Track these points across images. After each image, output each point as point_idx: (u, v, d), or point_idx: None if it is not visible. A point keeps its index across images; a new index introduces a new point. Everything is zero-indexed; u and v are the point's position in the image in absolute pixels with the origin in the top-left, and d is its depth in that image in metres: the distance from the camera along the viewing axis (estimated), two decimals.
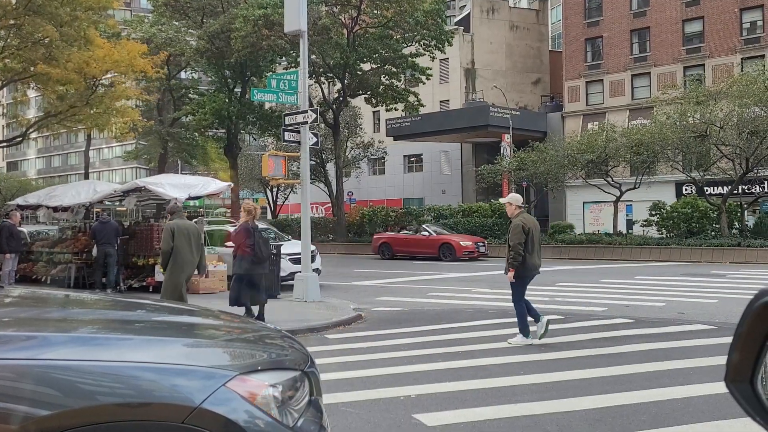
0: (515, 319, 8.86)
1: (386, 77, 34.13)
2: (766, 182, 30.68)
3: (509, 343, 8.53)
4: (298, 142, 13.73)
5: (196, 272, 9.79)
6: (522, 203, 9.06)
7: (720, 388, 1.37)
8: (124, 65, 21.95)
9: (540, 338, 8.56)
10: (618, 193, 28.70)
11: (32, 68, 20.69)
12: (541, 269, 9.10)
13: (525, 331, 8.63)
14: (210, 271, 15.07)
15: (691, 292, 14.03)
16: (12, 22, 19.65)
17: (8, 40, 20.54)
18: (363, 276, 19.65)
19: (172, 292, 9.20)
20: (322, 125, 34.14)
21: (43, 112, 26.88)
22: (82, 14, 19.79)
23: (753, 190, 29.88)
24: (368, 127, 46.87)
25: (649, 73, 40.41)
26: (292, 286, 13.51)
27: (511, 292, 8.85)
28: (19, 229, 16.60)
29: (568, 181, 32.34)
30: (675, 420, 5.29)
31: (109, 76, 22.79)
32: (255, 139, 46.99)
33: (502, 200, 9.72)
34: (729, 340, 1.26)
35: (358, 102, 39.44)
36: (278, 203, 47.13)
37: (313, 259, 15.06)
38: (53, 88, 21.82)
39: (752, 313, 1.22)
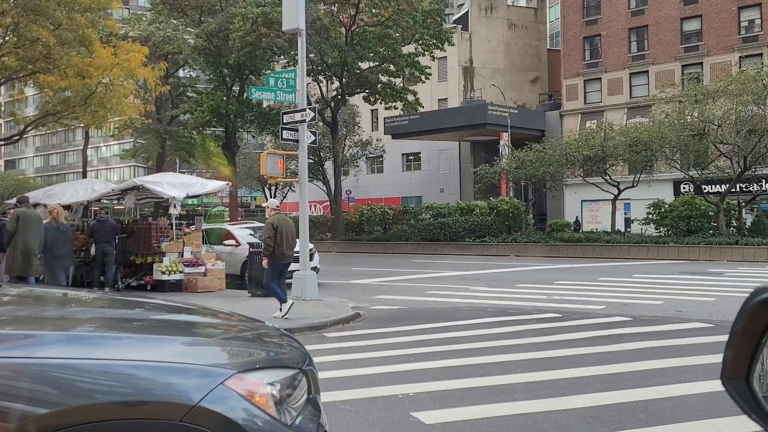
0: (514, 318, 8.88)
1: (385, 76, 34.12)
2: (763, 181, 30.76)
3: (274, 317, 10.26)
4: (297, 141, 13.73)
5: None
6: (276, 206, 11.68)
7: (717, 385, 1.37)
8: (125, 74, 21.89)
9: (283, 317, 10.37)
10: (616, 192, 28.73)
11: (30, 66, 20.63)
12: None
13: (283, 301, 10.82)
14: (208, 270, 15.10)
15: (688, 291, 14.05)
16: (9, 20, 19.59)
17: (6, 38, 20.49)
18: (361, 274, 19.65)
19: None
20: (321, 123, 34.14)
21: (40, 111, 26.84)
22: (80, 16, 19.72)
23: (751, 189, 29.92)
24: (366, 126, 46.86)
25: (647, 71, 40.44)
26: (291, 284, 13.51)
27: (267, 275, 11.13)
28: None
29: (566, 179, 32.38)
30: (672, 418, 5.30)
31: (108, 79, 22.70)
32: (253, 137, 46.99)
33: (264, 204, 11.86)
34: (726, 338, 1.27)
35: (357, 100, 39.44)
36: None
37: (311, 258, 15.07)
38: (51, 88, 21.77)
39: (748, 310, 1.22)
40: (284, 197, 47.40)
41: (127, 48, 22.97)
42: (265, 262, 10.90)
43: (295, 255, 13.08)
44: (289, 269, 14.77)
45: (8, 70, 21.37)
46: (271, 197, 46.32)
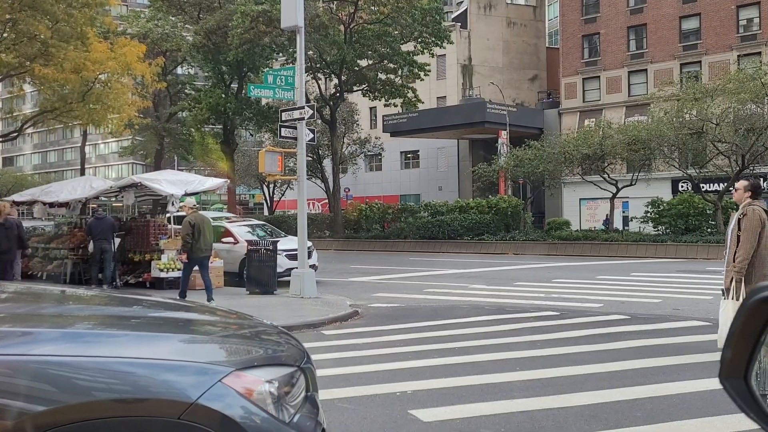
0: (512, 316, 8.89)
1: (384, 73, 34.10)
2: (762, 179, 30.76)
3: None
4: (295, 138, 13.72)
5: None
6: (193, 205, 12.52)
7: (714, 384, 1.38)
8: (121, 69, 21.85)
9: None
10: (614, 190, 28.74)
11: (28, 63, 20.59)
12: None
13: (183, 294, 11.50)
14: None
15: (686, 289, 14.07)
16: (8, 17, 19.55)
17: (4, 34, 20.44)
18: (359, 272, 19.66)
19: None
20: (319, 121, 34.10)
21: (38, 108, 26.80)
22: (78, 12, 19.68)
23: None
24: (365, 124, 46.84)
25: (645, 69, 40.45)
26: (289, 282, 13.51)
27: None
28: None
29: (564, 178, 32.38)
30: (670, 416, 5.31)
31: (105, 75, 22.68)
32: (251, 135, 46.96)
33: (183, 202, 13.28)
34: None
35: (355, 98, 39.41)
36: (275, 199, 47.09)
37: (309, 255, 15.08)
38: (49, 85, 21.74)
39: (746, 309, 1.22)
40: (282, 195, 47.41)
41: (123, 42, 22.94)
42: (184, 257, 12.10)
43: (292, 252, 13.11)
44: (288, 267, 14.87)
45: (6, 67, 21.33)
46: (269, 195, 46.34)
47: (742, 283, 6.82)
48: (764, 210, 6.94)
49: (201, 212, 12.91)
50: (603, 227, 32.84)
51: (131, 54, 21.85)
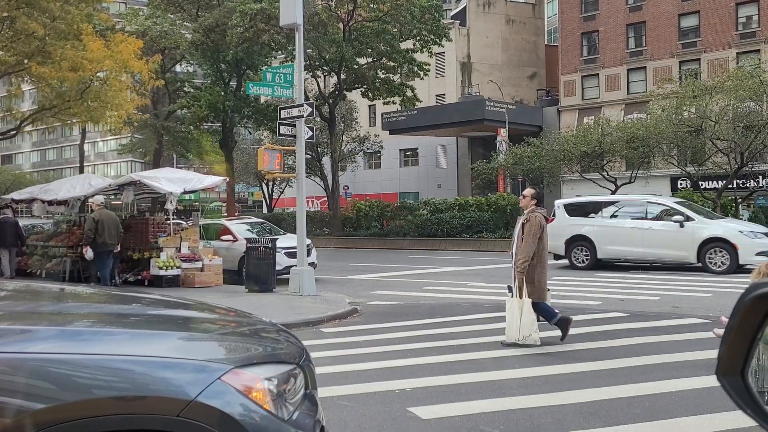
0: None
1: (383, 71, 34.07)
2: (760, 177, 30.80)
3: None
4: (294, 136, 13.71)
5: None
6: (101, 202, 13.74)
7: (712, 381, 1.38)
8: (118, 66, 21.79)
9: None
10: (613, 188, 28.74)
11: (26, 61, 20.55)
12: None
13: (106, 282, 12.54)
14: (205, 265, 15.10)
15: (685, 286, 14.08)
16: (5, 14, 19.51)
17: (1, 32, 20.40)
18: (359, 270, 19.66)
19: None
20: (318, 119, 34.07)
21: (37, 105, 26.75)
22: (74, 8, 19.63)
23: (748, 185, 29.97)
24: (364, 121, 46.81)
25: (644, 67, 40.45)
26: (288, 279, 13.51)
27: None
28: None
29: (563, 175, 32.37)
30: (668, 413, 5.32)
31: (103, 73, 22.65)
32: (250, 132, 46.89)
33: (91, 200, 14.42)
34: (721, 333, 1.27)
35: (354, 96, 39.37)
36: (274, 197, 47.07)
37: (308, 253, 15.07)
38: (47, 83, 21.70)
39: (743, 306, 1.23)
40: (281, 192, 47.38)
41: (119, 39, 22.86)
42: (86, 250, 13.11)
43: (291, 250, 13.09)
44: (287, 265, 14.87)
45: (4, 65, 21.29)
46: (269, 193, 46.34)
47: (524, 282, 7.59)
48: (544, 217, 7.88)
49: (107, 210, 14.24)
50: None
51: (128, 51, 21.79)
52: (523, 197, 8.20)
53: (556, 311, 8.20)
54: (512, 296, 7.90)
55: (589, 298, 12.46)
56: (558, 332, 8.14)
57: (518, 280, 7.70)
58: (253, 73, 33.90)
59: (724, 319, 6.97)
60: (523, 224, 7.91)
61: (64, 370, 2.25)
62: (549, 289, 8.33)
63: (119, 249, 14.10)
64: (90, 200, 14.89)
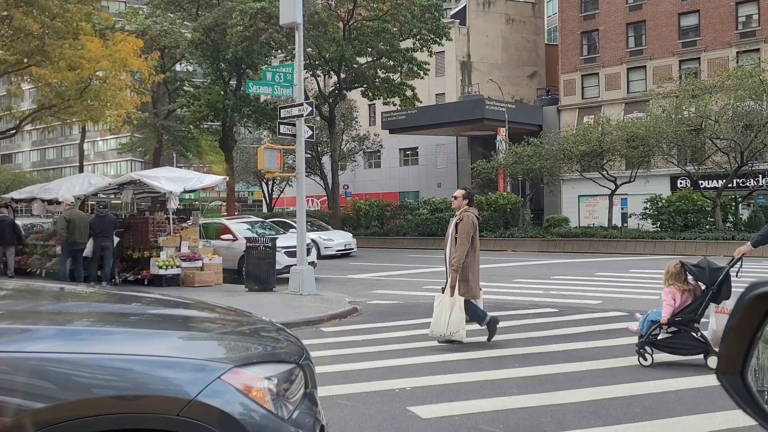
0: (511, 312, 8.90)
1: (383, 71, 34.07)
2: (760, 176, 30.80)
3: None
4: (294, 135, 13.71)
5: None
6: (71, 202, 14.49)
7: (712, 380, 1.38)
8: (117, 65, 21.77)
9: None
10: (613, 187, 28.75)
11: (26, 60, 20.54)
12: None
13: (65, 278, 12.96)
14: (205, 264, 15.10)
15: None
16: (5, 13, 19.49)
17: (1, 30, 20.38)
18: (358, 269, 19.67)
19: None
20: (318, 118, 34.07)
21: (37, 105, 26.74)
22: (73, 7, 19.61)
23: (747, 184, 29.97)
24: (364, 120, 46.79)
25: (644, 66, 40.43)
26: (288, 279, 13.51)
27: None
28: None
29: (563, 174, 32.37)
30: (668, 412, 5.32)
31: (103, 72, 22.63)
32: (250, 132, 46.89)
33: (61, 198, 15.22)
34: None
35: (354, 95, 39.36)
36: (274, 196, 47.06)
37: (308, 253, 15.08)
38: (47, 81, 21.68)
39: (743, 305, 1.23)
40: (281, 192, 47.36)
41: (119, 38, 22.83)
42: (59, 248, 13.99)
43: (291, 249, 13.09)
44: (287, 264, 14.88)
45: (4, 64, 21.28)
46: (269, 192, 46.34)
47: (458, 280, 7.77)
48: (476, 216, 8.07)
49: (77, 210, 14.84)
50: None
51: (126, 50, 21.77)
52: (455, 198, 8.38)
53: (486, 313, 8.25)
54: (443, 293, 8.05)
55: (589, 297, 12.46)
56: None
57: (452, 278, 7.85)
58: (252, 72, 33.89)
59: (639, 315, 7.23)
60: (456, 224, 8.08)
61: (63, 369, 2.25)
62: (481, 288, 8.47)
63: (86, 248, 14.46)
64: (61, 199, 15.16)
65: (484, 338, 8.25)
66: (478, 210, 29.76)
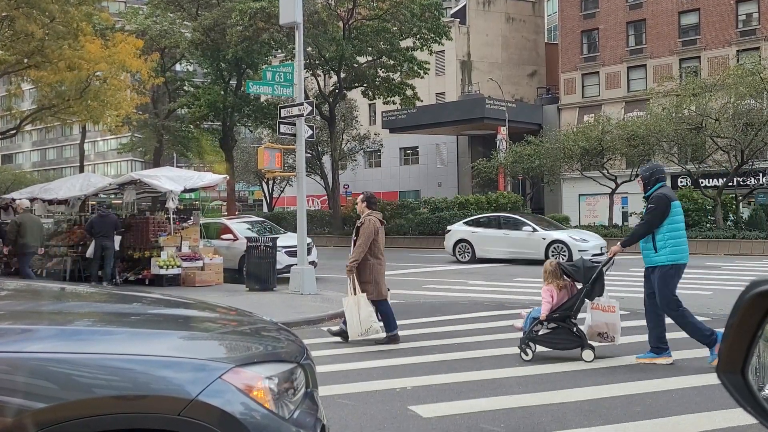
0: (511, 312, 8.91)
1: (383, 70, 34.06)
2: (761, 174, 30.79)
3: None
4: (294, 135, 13.71)
5: None
6: (26, 207, 14.37)
7: (713, 379, 1.38)
8: (117, 66, 21.76)
9: None
10: (613, 186, 28.74)
11: (26, 60, 20.54)
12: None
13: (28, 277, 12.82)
14: (206, 264, 15.10)
15: (685, 284, 14.00)
16: (5, 14, 19.49)
17: (0, 31, 20.38)
18: None
19: None
20: (318, 118, 34.07)
21: (37, 105, 26.75)
22: (74, 9, 19.61)
23: (748, 183, 29.96)
24: (364, 120, 46.80)
25: (644, 65, 40.43)
26: (288, 278, 13.51)
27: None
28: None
29: (564, 173, 32.37)
30: (669, 411, 5.32)
31: (102, 72, 22.64)
32: (251, 131, 46.92)
33: (17, 202, 15.22)
34: (722, 331, 1.27)
35: (354, 94, 39.36)
36: (274, 196, 47.08)
37: (309, 252, 15.07)
38: (47, 81, 21.69)
39: (743, 304, 1.23)
40: (282, 191, 47.38)
41: (119, 38, 22.82)
42: (6, 249, 14.23)
43: (291, 249, 13.13)
44: (288, 264, 14.88)
45: (3, 64, 21.29)
46: (269, 192, 46.35)
47: (365, 282, 8.01)
48: (379, 220, 8.29)
49: (30, 213, 14.83)
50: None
51: (126, 50, 21.76)
52: (357, 204, 8.73)
53: (396, 324, 8.39)
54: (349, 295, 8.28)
55: None
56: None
57: (350, 279, 8.10)
58: (252, 72, 33.91)
59: (524, 313, 7.58)
60: (357, 227, 8.38)
61: (64, 369, 2.25)
62: (389, 289, 8.67)
63: (43, 251, 14.75)
64: (16, 202, 15.35)
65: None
66: (478, 209, 29.64)
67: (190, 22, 34.57)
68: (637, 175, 7.70)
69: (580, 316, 7.25)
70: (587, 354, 7.00)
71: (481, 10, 48.70)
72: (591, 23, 42.70)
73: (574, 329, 7.08)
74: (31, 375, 2.21)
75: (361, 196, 8.70)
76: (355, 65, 33.34)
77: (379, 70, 34.06)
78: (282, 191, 47.44)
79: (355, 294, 8.10)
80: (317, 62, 33.35)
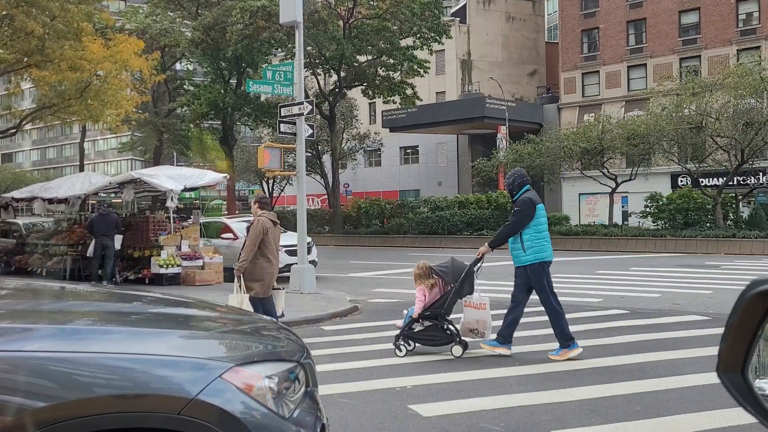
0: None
1: (383, 69, 34.05)
2: (761, 174, 30.78)
3: None
4: (294, 134, 13.71)
5: None
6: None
7: (713, 378, 1.38)
8: (118, 66, 21.75)
9: None
10: (613, 185, 28.74)
11: (26, 59, 20.52)
12: None
13: None
14: (206, 263, 15.11)
15: (685, 283, 14.08)
16: (5, 13, 19.47)
17: (0, 29, 20.36)
18: (359, 267, 19.66)
19: None
20: (318, 117, 34.07)
21: (37, 104, 26.74)
22: (74, 7, 19.59)
23: (748, 182, 29.96)
24: (364, 119, 46.79)
25: (645, 64, 40.40)
26: (288, 277, 13.51)
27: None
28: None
29: (564, 172, 32.36)
30: (668, 410, 5.32)
31: (103, 72, 22.63)
32: (251, 130, 46.91)
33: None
34: (722, 330, 1.27)
35: (354, 93, 39.35)
36: (274, 195, 47.07)
37: (309, 251, 15.07)
38: (48, 81, 21.68)
39: (743, 303, 1.23)
40: (282, 190, 47.38)
41: (120, 39, 22.81)
42: None
43: (291, 248, 13.15)
44: (288, 263, 14.86)
45: (4, 63, 21.27)
46: (269, 191, 46.34)
47: (242, 279, 8.07)
48: (270, 220, 8.30)
49: None
50: None
51: (127, 50, 21.75)
52: (251, 206, 8.99)
53: (278, 316, 8.49)
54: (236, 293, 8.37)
55: (589, 296, 12.46)
56: None
57: (237, 278, 8.17)
58: (253, 71, 33.90)
59: (405, 312, 7.83)
60: (248, 228, 8.59)
61: (64, 368, 2.25)
62: (281, 288, 8.86)
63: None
64: None
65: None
66: (478, 208, 29.68)
67: (190, 20, 34.57)
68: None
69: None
70: (456, 350, 7.35)
71: (481, 9, 48.68)
72: (591, 22, 42.67)
73: (446, 326, 7.49)
74: (31, 374, 2.21)
75: (254, 199, 8.91)
76: (355, 64, 33.34)
77: (379, 69, 34.07)
78: (282, 190, 47.42)
79: (243, 293, 8.18)
80: (317, 61, 33.35)
